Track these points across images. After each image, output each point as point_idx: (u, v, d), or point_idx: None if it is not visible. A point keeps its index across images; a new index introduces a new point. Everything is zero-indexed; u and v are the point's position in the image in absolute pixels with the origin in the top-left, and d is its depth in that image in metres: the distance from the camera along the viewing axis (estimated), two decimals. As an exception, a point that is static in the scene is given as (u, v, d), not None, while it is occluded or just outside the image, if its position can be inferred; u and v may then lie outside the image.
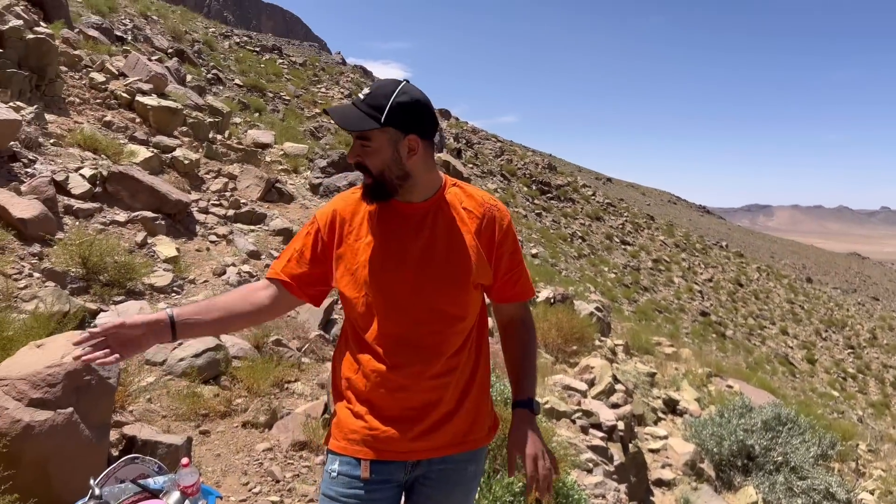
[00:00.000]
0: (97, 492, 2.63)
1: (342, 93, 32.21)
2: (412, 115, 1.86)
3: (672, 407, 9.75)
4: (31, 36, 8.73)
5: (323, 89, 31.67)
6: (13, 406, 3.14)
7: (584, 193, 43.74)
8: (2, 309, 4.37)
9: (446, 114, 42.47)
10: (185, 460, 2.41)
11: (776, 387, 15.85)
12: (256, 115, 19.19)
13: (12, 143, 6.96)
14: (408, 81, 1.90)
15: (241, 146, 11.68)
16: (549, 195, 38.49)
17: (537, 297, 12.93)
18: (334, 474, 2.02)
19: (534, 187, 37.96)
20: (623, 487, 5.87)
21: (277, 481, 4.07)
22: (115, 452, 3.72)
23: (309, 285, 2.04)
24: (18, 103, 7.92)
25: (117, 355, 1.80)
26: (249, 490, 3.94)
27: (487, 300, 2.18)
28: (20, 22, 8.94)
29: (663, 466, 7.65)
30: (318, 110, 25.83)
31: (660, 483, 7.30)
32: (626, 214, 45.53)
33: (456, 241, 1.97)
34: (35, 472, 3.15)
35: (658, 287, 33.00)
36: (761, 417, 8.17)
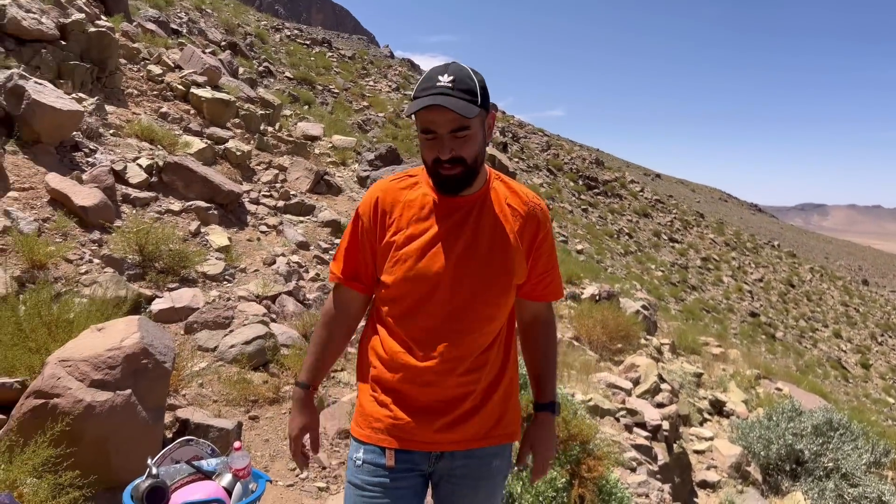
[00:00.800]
0: (154, 471, 2.72)
1: (390, 86, 32.38)
2: (488, 93, 1.82)
3: (718, 408, 9.58)
4: (92, 29, 9.01)
5: (371, 82, 31.89)
6: (76, 386, 3.27)
7: (632, 189, 43.13)
8: (65, 293, 4.54)
9: (493, 107, 42.27)
10: (237, 444, 2.48)
11: (828, 391, 15.43)
12: (306, 107, 19.44)
13: (75, 133, 7.20)
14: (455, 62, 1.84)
15: (291, 138, 11.86)
16: (595, 190, 38.06)
17: (582, 293, 12.83)
18: (359, 462, 2.01)
19: (580, 182, 37.60)
20: (667, 487, 5.81)
21: (324, 468, 4.15)
22: (169, 434, 3.85)
23: (371, 280, 2.04)
24: (80, 94, 8.19)
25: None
26: (297, 475, 4.03)
27: None
28: (82, 15, 9.23)
29: (708, 468, 7.54)
30: (366, 104, 26.02)
31: (704, 485, 7.20)
32: (674, 211, 44.76)
33: (499, 240, 1.91)
34: (95, 450, 3.28)
35: (706, 286, 32.40)
36: (812, 422, 7.97)
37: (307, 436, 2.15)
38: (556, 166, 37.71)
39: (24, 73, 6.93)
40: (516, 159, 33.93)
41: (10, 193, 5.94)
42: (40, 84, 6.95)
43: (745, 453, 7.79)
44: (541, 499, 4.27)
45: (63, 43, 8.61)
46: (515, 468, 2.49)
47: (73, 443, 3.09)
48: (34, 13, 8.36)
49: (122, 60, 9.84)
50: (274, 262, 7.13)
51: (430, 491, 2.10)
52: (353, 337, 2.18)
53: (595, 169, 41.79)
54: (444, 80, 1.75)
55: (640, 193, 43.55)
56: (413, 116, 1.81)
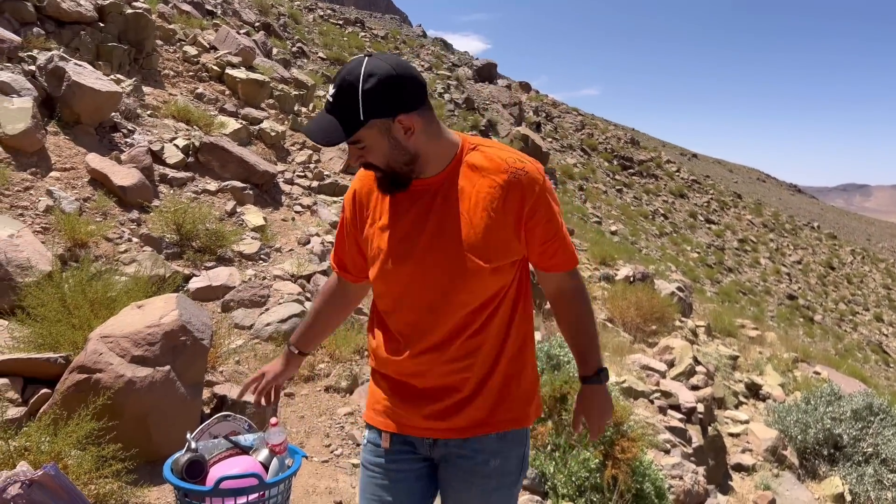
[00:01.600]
0: (193, 445, 2.78)
1: (422, 65, 32.26)
2: (389, 96, 1.62)
3: (755, 391, 9.46)
4: (129, 11, 9.11)
5: (404, 62, 31.76)
6: (117, 362, 3.35)
7: (668, 169, 42.46)
8: (106, 271, 4.63)
9: (526, 86, 41.86)
10: (273, 420, 2.51)
11: (868, 375, 15.12)
12: (339, 87, 19.42)
13: (113, 113, 7.32)
14: (370, 56, 1.67)
15: (324, 118, 11.87)
16: (630, 171, 37.56)
17: (616, 274, 12.72)
18: (364, 441, 2.05)
19: (615, 162, 37.13)
20: (701, 470, 5.76)
21: (357, 445, 4.20)
22: (207, 410, 3.92)
23: (363, 270, 2.00)
24: (119, 76, 8.30)
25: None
26: (332, 452, 4.08)
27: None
28: (120, -3, 9.33)
29: (743, 451, 7.47)
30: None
31: (739, 468, 7.13)
32: (711, 192, 44.01)
33: (466, 221, 1.75)
34: (136, 424, 3.35)
35: (743, 268, 31.88)
36: (851, 406, 7.83)
37: (270, 381, 2.27)
38: (590, 146, 37.29)
39: (64, 55, 7.05)
40: (550, 139, 33.62)
41: (53, 173, 6.07)
42: (80, 66, 7.05)
43: (782, 437, 7.70)
44: (573, 479, 4.27)
45: (101, 25, 8.73)
46: (574, 432, 2.38)
47: (114, 416, 3.16)
48: (73, -5, 8.47)
49: (159, 42, 9.94)
50: (308, 242, 7.19)
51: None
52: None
53: (630, 149, 41.22)
54: (329, 93, 1.67)
55: (677, 174, 42.88)
56: None
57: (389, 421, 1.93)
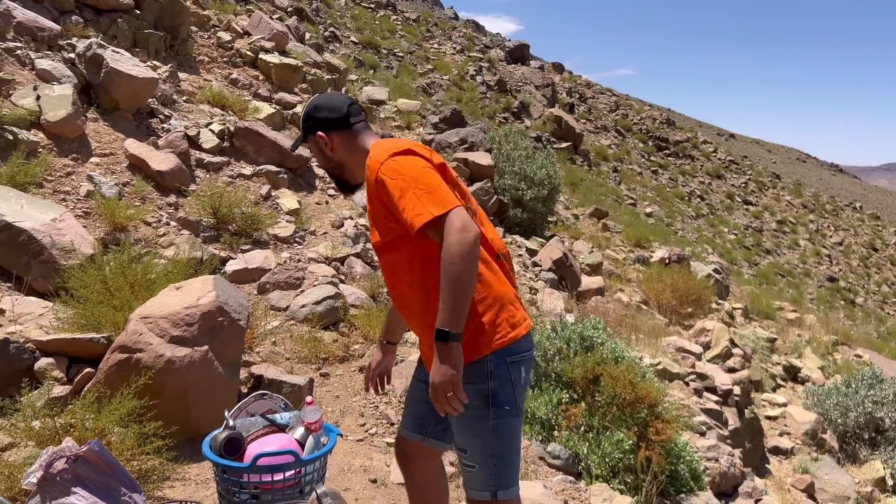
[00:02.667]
0: (231, 423, 2.84)
1: (454, 48, 32.06)
2: (315, 119, 2.35)
3: (793, 374, 9.32)
4: (165, -2, 9.20)
5: (435, 45, 31.64)
6: (157, 342, 3.42)
7: (705, 150, 41.68)
8: (145, 254, 4.73)
9: (559, 67, 41.36)
10: (309, 399, 2.55)
11: (911, 359, 14.75)
12: (371, 72, 19.49)
13: (150, 99, 7.43)
14: (318, 95, 2.45)
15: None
16: (666, 151, 36.97)
17: (651, 256, 12.57)
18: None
19: (650, 143, 36.56)
20: (737, 452, 5.71)
21: (392, 424, 4.24)
22: (244, 389, 4.00)
23: None
24: (155, 62, 8.42)
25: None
26: (366, 431, 4.13)
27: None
28: (155, -16, 9.43)
29: (781, 434, 7.38)
30: (430, 67, 25.89)
31: (777, 451, 7.05)
32: (749, 173, 43.14)
33: (369, 208, 2.29)
34: (176, 403, 3.44)
35: (782, 250, 31.27)
36: (893, 389, 7.67)
37: (373, 369, 2.74)
38: (624, 127, 36.78)
39: (102, 43, 7.16)
40: (583, 120, 33.25)
41: (93, 159, 6.20)
42: (118, 53, 7.17)
43: (821, 420, 7.58)
44: (607, 460, 4.27)
45: (137, 12, 8.84)
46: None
47: (155, 395, 3.25)
48: (110, -17, 8.59)
49: (193, 28, 10.04)
50: (342, 225, 7.24)
51: None
52: (372, 282, 2.32)
53: (665, 129, 40.56)
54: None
55: (713, 154, 42.10)
56: None
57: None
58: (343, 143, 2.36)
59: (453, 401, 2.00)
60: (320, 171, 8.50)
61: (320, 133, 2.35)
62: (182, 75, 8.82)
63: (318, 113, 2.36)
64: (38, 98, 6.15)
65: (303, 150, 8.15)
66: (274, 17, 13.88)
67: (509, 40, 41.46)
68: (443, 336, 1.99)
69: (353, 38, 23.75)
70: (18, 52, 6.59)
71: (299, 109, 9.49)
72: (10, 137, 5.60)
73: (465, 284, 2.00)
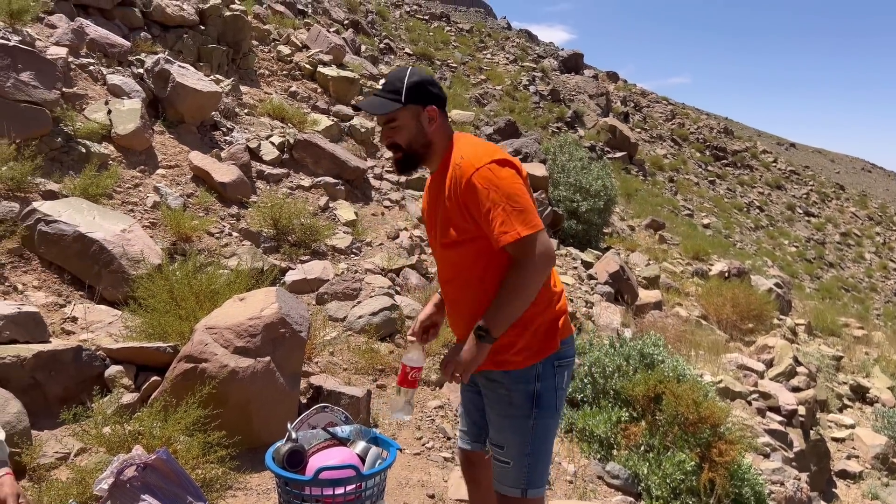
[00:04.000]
0: (293, 435, 2.86)
1: (507, 58, 32.06)
2: (426, 91, 2.23)
3: (861, 394, 8.96)
4: (227, 13, 9.46)
5: (489, 55, 31.69)
6: (221, 352, 3.49)
7: (764, 160, 40.61)
8: (209, 264, 4.84)
9: (613, 76, 40.92)
10: (411, 337, 2.64)
11: None
12: (425, 82, 19.58)
13: (214, 112, 7.63)
14: (414, 66, 2.10)
15: (412, 113, 12.00)
16: (724, 161, 36.14)
17: (710, 269, 12.29)
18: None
19: (707, 153, 35.80)
20: (803, 476, 5.51)
21: (448, 438, 4.23)
22: (303, 400, 4.04)
23: None
24: (218, 76, 8.65)
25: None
26: (423, 444, 4.13)
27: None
28: (218, 0, 9.71)
29: (849, 457, 7.09)
30: (483, 77, 25.95)
31: (844, 475, 6.78)
32: (811, 183, 41.83)
33: (447, 206, 2.24)
34: (238, 413, 3.49)
35: (846, 263, 30.18)
36: (971, 413, 7.30)
37: (421, 320, 2.59)
38: (680, 136, 36.12)
39: (169, 58, 7.40)
40: (638, 129, 32.79)
41: (159, 171, 6.39)
42: (183, 67, 7.39)
43: (892, 443, 7.26)
44: (668, 481, 4.17)
45: (202, 27, 9.11)
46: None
47: (219, 405, 3.30)
48: (177, 0, 8.87)
49: (254, 42, 10.28)
50: (397, 237, 7.29)
51: None
52: (427, 293, 2.30)
53: (723, 138, 39.69)
54: (380, 83, 2.30)
55: (773, 164, 40.98)
56: None
57: None
58: (442, 126, 2.29)
59: (455, 378, 2.24)
60: (376, 183, 8.58)
61: (433, 107, 2.25)
62: (244, 88, 9.03)
63: (432, 87, 2.26)
64: (108, 112, 6.38)
65: (351, 158, 8.23)
66: (331, 30, 14.13)
67: (562, 49, 41.26)
68: (481, 334, 2.17)
69: (407, 50, 23.98)
70: (91, 67, 6.85)
71: (356, 121, 9.61)
72: (83, 150, 5.82)
73: (526, 302, 2.17)
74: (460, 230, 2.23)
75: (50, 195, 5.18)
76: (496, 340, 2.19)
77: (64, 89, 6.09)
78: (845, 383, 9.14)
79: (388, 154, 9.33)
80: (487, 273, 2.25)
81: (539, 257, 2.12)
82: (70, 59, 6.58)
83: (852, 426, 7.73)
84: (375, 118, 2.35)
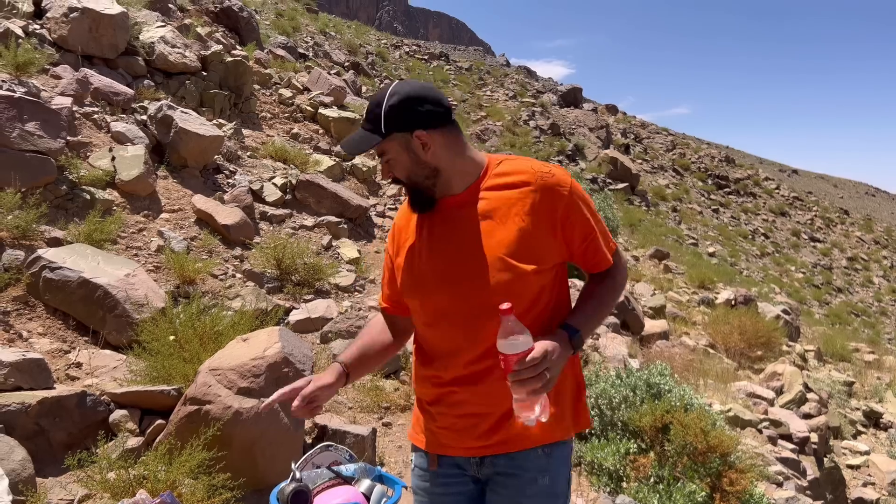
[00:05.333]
0: (297, 475, 2.85)
1: (507, 94, 32.46)
2: (408, 112, 1.75)
3: (874, 420, 8.85)
4: (229, 59, 9.64)
5: (488, 92, 32.11)
6: (225, 394, 3.49)
7: (767, 187, 40.74)
8: (213, 306, 4.86)
9: (613, 109, 41.36)
10: (506, 305, 1.71)
11: None
12: (426, 120, 19.81)
13: (216, 156, 7.73)
14: (401, 80, 1.88)
15: (413, 151, 12.14)
16: (726, 190, 36.26)
17: (716, 298, 12.25)
18: (412, 466, 2.04)
19: (709, 182, 35.96)
20: (819, 504, 5.42)
21: (455, 475, 4.19)
22: (308, 440, 4.02)
23: (403, 304, 1.97)
24: (220, 120, 8.78)
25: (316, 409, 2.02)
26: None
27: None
28: (220, 46, 9.91)
29: (865, 485, 6.98)
30: (483, 114, 26.25)
31: (861, 503, 6.66)
32: (815, 209, 41.87)
33: (501, 226, 1.76)
34: (243, 454, 3.47)
35: (854, 288, 30.05)
36: None
37: (314, 394, 1.95)
38: (682, 166, 36.31)
39: (171, 104, 7.52)
40: (640, 160, 32.99)
41: (163, 215, 6.46)
42: (186, 113, 7.51)
43: (909, 470, 7.14)
44: (679, 512, 4.10)
45: (204, 73, 9.28)
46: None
47: (223, 446, 3.29)
48: (179, 48, 9.06)
49: (256, 86, 10.46)
50: (401, 273, 7.32)
51: None
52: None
53: (725, 167, 39.87)
54: (365, 116, 1.82)
55: (776, 191, 41.08)
56: None
57: (434, 443, 1.92)
58: (445, 145, 1.79)
59: (536, 388, 1.58)
60: (378, 220, 8.64)
61: (420, 131, 1.75)
62: (246, 132, 9.16)
63: (421, 105, 1.75)
64: (112, 159, 6.48)
65: (353, 197, 8.30)
66: (332, 72, 14.36)
67: (561, 84, 41.78)
68: (576, 341, 1.72)
69: (407, 89, 24.31)
70: (95, 115, 6.97)
71: (357, 161, 9.71)
72: (88, 197, 5.89)
73: (608, 315, 1.91)
74: (540, 256, 1.76)
75: (55, 242, 5.24)
76: (582, 344, 1.75)
77: (69, 138, 6.19)
78: (858, 409, 9.04)
79: (391, 192, 9.41)
80: (552, 318, 1.81)
81: (625, 268, 1.94)
82: (75, 108, 6.70)
83: (867, 453, 7.62)
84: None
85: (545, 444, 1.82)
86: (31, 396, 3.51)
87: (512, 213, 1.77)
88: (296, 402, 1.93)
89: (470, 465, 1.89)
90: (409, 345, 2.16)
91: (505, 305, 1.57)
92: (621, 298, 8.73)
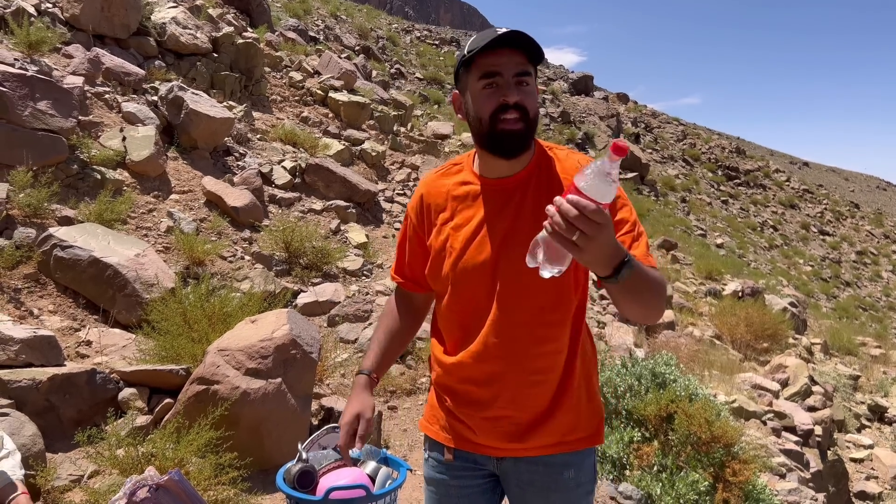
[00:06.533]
0: (304, 456, 2.88)
1: (518, 81, 32.28)
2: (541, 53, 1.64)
3: (879, 414, 8.84)
4: (240, 41, 9.63)
5: (499, 78, 31.93)
6: (233, 374, 3.52)
7: (777, 179, 40.53)
8: (221, 287, 4.89)
9: (624, 98, 41.13)
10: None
11: None
12: (436, 107, 19.79)
13: (226, 138, 7.74)
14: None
15: (422, 138, 12.12)
16: (736, 181, 36.10)
17: (723, 289, 12.23)
18: (426, 455, 2.00)
19: (719, 173, 35.80)
20: (821, 497, 5.43)
21: (459, 460, 4.22)
22: (315, 421, 4.05)
23: (425, 278, 1.87)
24: (231, 102, 8.78)
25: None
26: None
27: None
28: (231, 28, 9.89)
29: (868, 478, 6.99)
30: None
31: (864, 496, 6.68)
32: (825, 202, 41.64)
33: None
34: (250, 434, 3.51)
35: (862, 282, 29.91)
36: None
37: (361, 420, 1.99)
38: (692, 156, 36.14)
39: (182, 85, 7.53)
40: (649, 150, 32.84)
41: (172, 196, 6.48)
42: (196, 94, 7.52)
43: (912, 464, 7.15)
44: (682, 501, 4.13)
45: (215, 55, 9.27)
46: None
47: (231, 426, 3.32)
48: (190, 29, 9.05)
49: (267, 69, 10.44)
50: (408, 258, 7.34)
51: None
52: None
53: (735, 158, 39.66)
54: (504, 29, 1.61)
55: (786, 183, 40.86)
56: (466, 70, 1.66)
57: (451, 436, 1.87)
58: None
59: (576, 231, 1.26)
60: (387, 205, 8.64)
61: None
62: (256, 114, 9.16)
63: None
64: (123, 139, 6.50)
65: (362, 182, 8.30)
66: (342, 56, 14.33)
67: (572, 72, 41.55)
68: (626, 269, 1.38)
69: (417, 75, 24.24)
70: (107, 95, 6.98)
71: (367, 146, 9.71)
72: (99, 177, 5.92)
73: (652, 305, 1.57)
74: None
75: (66, 221, 5.27)
76: (623, 282, 1.39)
77: (80, 117, 6.21)
78: (863, 403, 9.03)
79: (399, 177, 9.40)
80: (579, 316, 1.75)
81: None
82: (86, 87, 6.72)
83: (871, 446, 7.62)
84: (495, 68, 1.59)
85: (584, 448, 1.80)
86: (42, 373, 3.55)
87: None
88: (357, 445, 2.00)
89: (489, 461, 1.85)
90: (419, 332, 2.06)
91: (622, 141, 1.26)
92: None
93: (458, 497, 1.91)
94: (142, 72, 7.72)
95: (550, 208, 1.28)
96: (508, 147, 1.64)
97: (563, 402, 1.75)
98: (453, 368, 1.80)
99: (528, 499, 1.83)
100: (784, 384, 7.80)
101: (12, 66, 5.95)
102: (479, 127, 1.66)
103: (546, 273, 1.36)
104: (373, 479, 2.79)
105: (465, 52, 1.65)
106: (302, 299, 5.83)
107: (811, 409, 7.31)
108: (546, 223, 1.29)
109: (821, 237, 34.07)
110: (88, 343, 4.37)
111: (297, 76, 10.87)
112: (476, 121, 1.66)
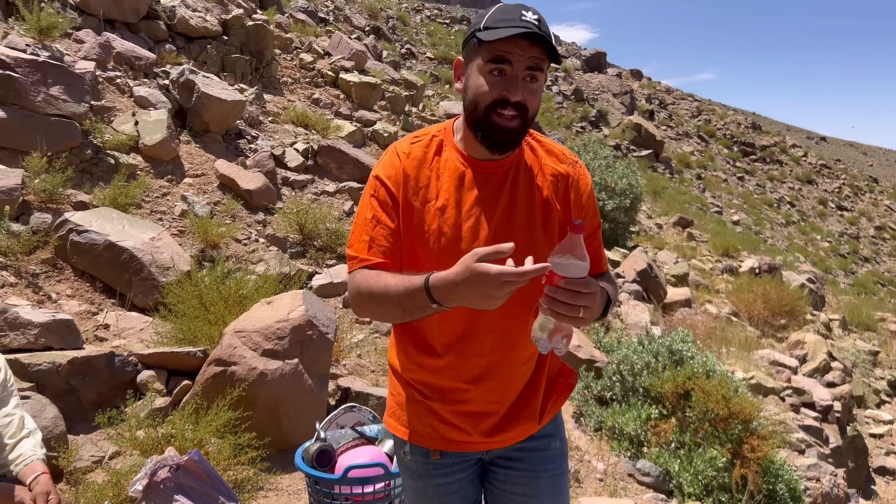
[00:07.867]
0: (322, 435, 2.90)
1: (530, 59, 31.98)
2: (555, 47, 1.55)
3: (899, 389, 8.77)
4: (250, 23, 9.58)
5: (511, 57, 31.65)
6: (250, 355, 3.53)
7: (794, 154, 40.03)
8: (237, 270, 4.91)
9: (637, 74, 40.66)
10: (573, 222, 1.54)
11: None
12: (447, 86, 19.65)
13: (238, 121, 7.72)
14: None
15: (433, 117, 12.05)
16: (752, 157, 35.69)
17: (740, 266, 12.14)
18: (402, 452, 1.85)
19: (735, 149, 35.39)
20: (840, 472, 5.40)
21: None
22: (332, 402, 4.07)
23: (398, 256, 1.66)
24: (242, 85, 8.76)
25: None
26: (451, 445, 4.13)
27: None
28: (241, 10, 9.84)
29: (888, 454, 6.95)
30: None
31: (883, 471, 6.64)
32: (843, 177, 41.11)
33: (539, 205, 1.65)
34: (268, 414, 3.53)
35: (881, 257, 29.58)
36: None
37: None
38: (707, 133, 35.74)
39: (193, 69, 7.51)
40: (664, 127, 32.51)
41: (186, 179, 6.49)
42: (207, 77, 7.50)
43: (933, 439, 7.10)
44: (700, 478, 4.12)
45: (225, 38, 9.23)
46: None
47: (248, 407, 3.35)
48: (199, 12, 9.01)
49: (277, 51, 10.39)
50: (422, 239, 7.32)
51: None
52: None
53: (751, 134, 39.18)
54: (530, 16, 1.51)
55: (803, 158, 40.35)
56: (478, 43, 1.54)
57: (435, 440, 1.76)
58: None
59: (581, 309, 1.37)
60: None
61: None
62: (267, 97, 9.13)
63: None
64: (136, 123, 6.50)
65: (374, 163, 8.28)
66: (352, 36, 14.23)
67: (585, 49, 41.11)
68: (611, 302, 1.65)
69: (428, 54, 24.06)
70: (118, 80, 6.98)
71: (378, 126, 9.66)
72: (112, 161, 5.93)
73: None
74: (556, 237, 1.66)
75: (81, 206, 5.29)
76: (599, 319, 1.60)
77: (92, 102, 6.21)
78: (882, 378, 8.96)
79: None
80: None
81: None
82: (98, 72, 6.71)
83: (891, 422, 7.57)
84: (509, 61, 1.51)
85: (559, 410, 1.84)
86: (62, 356, 3.58)
87: (546, 192, 1.66)
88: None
89: (478, 452, 1.80)
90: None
91: (577, 221, 1.38)
92: (644, 266, 8.70)
93: (448, 493, 1.81)
94: (152, 56, 7.70)
95: (545, 300, 1.38)
96: (498, 141, 1.58)
97: (539, 378, 1.76)
98: (442, 366, 1.69)
99: (517, 480, 1.80)
100: (802, 360, 7.75)
101: (24, 51, 5.96)
102: (473, 111, 1.58)
103: (562, 348, 1.47)
104: (391, 457, 2.80)
105: (482, 26, 1.55)
106: (317, 281, 5.83)
107: (830, 384, 7.26)
108: (548, 313, 1.39)
109: (839, 212, 33.69)
110: (106, 326, 4.40)
111: (308, 58, 10.82)
112: (471, 104, 1.58)
